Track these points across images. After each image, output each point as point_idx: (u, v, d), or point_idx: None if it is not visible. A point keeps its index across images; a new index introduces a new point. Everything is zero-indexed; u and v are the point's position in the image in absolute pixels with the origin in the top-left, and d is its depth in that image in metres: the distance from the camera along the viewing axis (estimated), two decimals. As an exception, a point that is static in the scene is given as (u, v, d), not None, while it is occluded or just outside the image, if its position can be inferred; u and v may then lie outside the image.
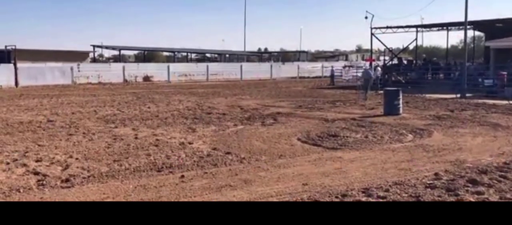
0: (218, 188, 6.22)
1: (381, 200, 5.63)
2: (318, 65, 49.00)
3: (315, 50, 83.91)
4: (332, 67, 38.09)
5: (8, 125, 12.19)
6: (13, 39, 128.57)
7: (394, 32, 35.96)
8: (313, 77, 43.04)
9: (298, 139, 10.00)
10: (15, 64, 29.79)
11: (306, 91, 25.91)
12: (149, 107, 16.86)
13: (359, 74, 36.59)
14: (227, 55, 60.51)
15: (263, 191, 6.02)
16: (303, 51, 66.52)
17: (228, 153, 8.49)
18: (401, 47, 40.98)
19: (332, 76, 34.42)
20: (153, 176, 6.86)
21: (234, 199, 5.73)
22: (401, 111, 14.41)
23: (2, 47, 33.54)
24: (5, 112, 15.51)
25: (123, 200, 5.68)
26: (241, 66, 42.74)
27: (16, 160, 7.86)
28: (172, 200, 5.69)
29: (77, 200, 5.68)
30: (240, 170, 7.21)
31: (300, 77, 43.12)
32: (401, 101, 14.67)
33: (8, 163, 7.60)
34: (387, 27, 35.57)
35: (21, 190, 6.07)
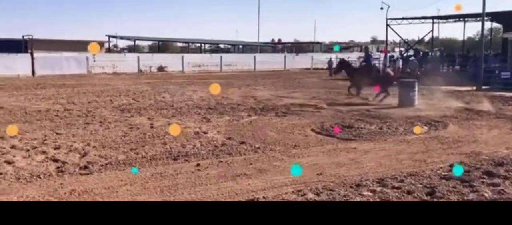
0: (233, 176, 6.29)
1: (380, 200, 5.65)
2: (332, 56, 48.81)
3: (329, 41, 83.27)
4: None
5: (27, 113, 12.42)
6: (30, 29, 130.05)
7: (410, 24, 35.65)
8: (328, 68, 42.86)
9: (312, 130, 10.03)
10: (32, 54, 30.21)
11: (320, 82, 25.86)
12: (163, 97, 17.00)
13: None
14: (241, 46, 60.53)
15: (278, 180, 6.08)
16: (317, 42, 66.23)
17: (243, 142, 8.55)
18: (417, 39, 40.56)
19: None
20: (169, 164, 6.97)
21: (249, 188, 5.80)
22: (416, 102, 14.32)
23: (20, 37, 34.06)
24: (23, 101, 15.78)
25: (140, 187, 5.79)
26: (254, 57, 42.75)
27: (36, 147, 8.02)
28: (188, 188, 5.78)
29: (95, 186, 5.81)
30: (254, 160, 7.28)
31: (314, 68, 43.00)
32: (416, 93, 14.57)
33: (28, 150, 7.76)
34: (403, 18, 35.24)
35: (42, 176, 6.21)
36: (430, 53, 37.47)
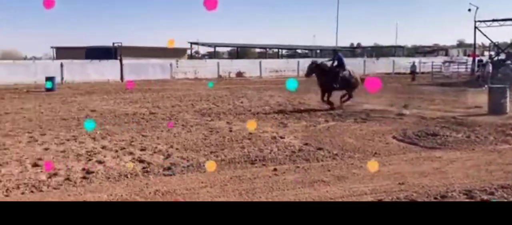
0: (310, 182, 6.25)
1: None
2: (415, 60, 46.97)
3: (411, 45, 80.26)
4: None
5: (116, 116, 13.25)
6: (120, 36, 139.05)
7: (501, 26, 33.29)
8: (410, 73, 41.28)
9: (394, 137, 9.68)
10: (121, 60, 32.24)
11: (401, 88, 24.91)
12: (242, 102, 17.32)
13: (461, 70, 34.55)
14: (318, 51, 60.16)
15: (357, 188, 5.93)
16: (399, 46, 64.12)
17: (320, 148, 8.47)
18: (509, 42, 37.80)
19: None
20: (247, 168, 7.08)
21: (327, 195, 5.73)
22: (508, 110, 13.32)
23: (110, 44, 36.53)
24: (113, 104, 16.86)
25: (219, 189, 5.93)
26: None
27: (124, 148, 8.53)
28: (265, 192, 5.82)
29: (177, 187, 6.05)
30: (332, 166, 7.17)
31: (396, 73, 41.54)
32: (508, 99, 13.56)
33: (116, 151, 8.28)
34: (493, 20, 33.05)
35: (129, 176, 6.59)
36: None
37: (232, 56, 58.80)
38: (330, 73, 15.48)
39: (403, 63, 44.76)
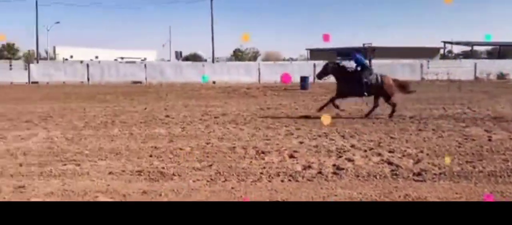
0: None
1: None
2: None
3: None
4: None
5: (363, 116, 13.43)
6: (371, 37, 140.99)
7: None
8: None
9: None
10: (370, 61, 32.67)
11: None
12: (503, 107, 15.32)
13: None
14: None
15: None
16: None
17: None
18: None
19: None
20: (510, 183, 6.22)
21: None
22: None
23: (361, 45, 37.43)
24: (360, 104, 17.16)
25: (478, 202, 5.38)
26: None
27: (372, 149, 8.60)
28: None
29: (428, 195, 5.75)
30: None
31: None
32: None
33: (365, 151, 8.41)
34: None
35: (377, 177, 6.60)
36: None
37: (492, 56, 52.59)
38: (353, 77, 13.18)
39: None
